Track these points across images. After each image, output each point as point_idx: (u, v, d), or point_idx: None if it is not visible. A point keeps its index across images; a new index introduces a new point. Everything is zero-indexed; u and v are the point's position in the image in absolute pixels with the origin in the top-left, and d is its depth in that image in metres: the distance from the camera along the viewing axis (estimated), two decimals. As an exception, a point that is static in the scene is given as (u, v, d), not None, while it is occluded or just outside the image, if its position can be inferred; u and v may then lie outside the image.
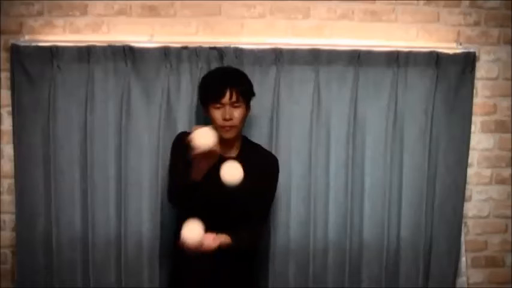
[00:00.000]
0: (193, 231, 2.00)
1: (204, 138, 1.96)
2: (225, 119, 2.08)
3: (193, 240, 1.99)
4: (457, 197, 2.60)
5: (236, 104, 2.10)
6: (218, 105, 2.09)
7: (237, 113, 2.10)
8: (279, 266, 2.53)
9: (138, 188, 2.49)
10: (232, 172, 2.00)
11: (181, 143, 2.10)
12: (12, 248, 2.59)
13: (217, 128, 2.10)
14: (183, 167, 2.08)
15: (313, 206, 2.52)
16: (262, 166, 2.18)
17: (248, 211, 2.14)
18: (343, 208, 2.54)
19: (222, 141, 2.14)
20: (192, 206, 2.09)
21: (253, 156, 2.17)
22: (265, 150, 2.31)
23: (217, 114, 2.10)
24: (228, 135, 2.11)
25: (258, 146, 2.28)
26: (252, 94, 2.20)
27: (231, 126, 2.10)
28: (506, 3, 2.64)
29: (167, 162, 2.28)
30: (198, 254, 2.06)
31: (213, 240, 2.04)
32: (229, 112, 2.08)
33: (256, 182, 2.12)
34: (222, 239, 2.07)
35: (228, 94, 2.08)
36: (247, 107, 2.17)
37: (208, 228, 2.03)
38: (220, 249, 2.06)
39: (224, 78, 2.13)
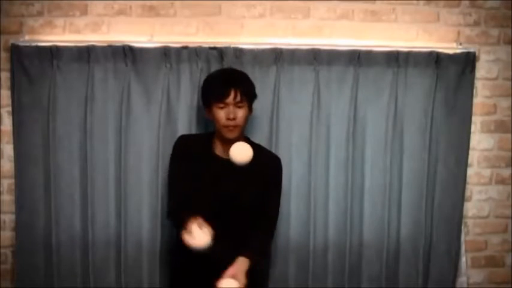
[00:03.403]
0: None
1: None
2: (228, 119, 2.09)
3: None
4: (457, 197, 2.60)
5: (240, 104, 2.11)
6: (222, 105, 2.10)
7: (241, 113, 2.12)
8: (279, 266, 2.53)
9: (138, 188, 2.49)
10: (242, 151, 2.01)
11: (182, 149, 2.17)
12: (12, 248, 2.58)
13: (220, 128, 2.12)
14: (182, 181, 2.11)
15: (313, 205, 2.52)
16: (266, 167, 2.19)
17: (255, 214, 2.15)
18: (343, 208, 2.54)
19: (224, 142, 2.15)
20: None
21: (256, 157, 2.18)
22: (268, 150, 2.32)
23: (221, 114, 2.11)
24: (231, 135, 2.12)
25: (260, 147, 2.28)
26: (255, 95, 2.21)
27: (235, 126, 2.11)
28: (506, 3, 2.64)
29: (167, 162, 2.28)
30: (200, 254, 2.07)
31: (242, 278, 2.02)
32: (233, 112, 2.09)
33: (260, 183, 2.14)
34: (243, 269, 2.05)
35: (232, 94, 2.09)
36: (250, 109, 2.18)
37: (216, 235, 2.02)
38: (222, 249, 2.07)
39: (228, 79, 2.14)
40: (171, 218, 2.23)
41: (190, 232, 1.91)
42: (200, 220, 1.93)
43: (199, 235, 1.91)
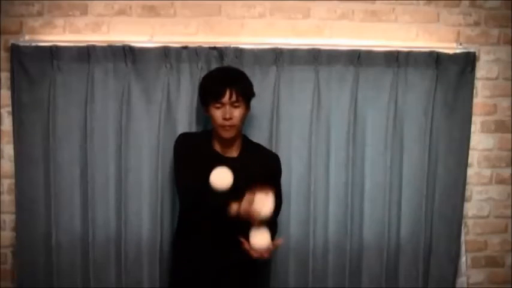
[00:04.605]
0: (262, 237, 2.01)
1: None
2: (224, 119, 2.09)
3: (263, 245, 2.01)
4: (457, 197, 2.60)
5: (236, 104, 2.11)
6: (218, 105, 2.10)
7: (237, 113, 2.11)
8: (279, 266, 2.53)
9: (138, 188, 2.49)
10: (221, 177, 2.00)
11: (183, 146, 2.17)
12: (12, 248, 2.59)
13: (217, 127, 2.12)
14: (189, 171, 2.10)
15: (313, 205, 2.52)
16: (265, 165, 2.20)
17: None
18: (343, 208, 2.54)
19: (222, 141, 2.15)
20: (202, 209, 2.08)
21: (254, 156, 2.18)
22: (266, 149, 2.33)
23: (217, 113, 2.11)
24: (228, 134, 2.12)
25: (258, 146, 2.29)
26: (252, 94, 2.20)
27: (231, 126, 2.11)
28: (506, 3, 2.64)
29: (167, 162, 2.28)
30: (201, 254, 2.08)
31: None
32: (229, 111, 2.09)
33: (260, 181, 2.13)
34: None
35: (228, 94, 2.09)
36: (247, 107, 2.18)
37: (216, 233, 2.04)
38: (225, 250, 2.08)
39: (224, 78, 2.14)
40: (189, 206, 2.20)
41: (255, 200, 1.93)
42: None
43: (266, 201, 1.94)
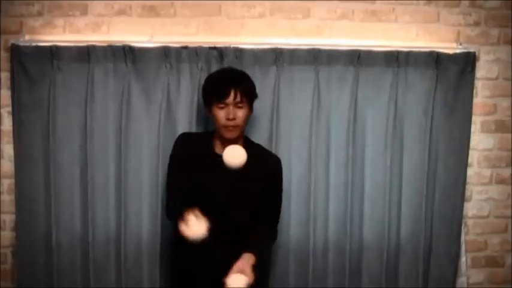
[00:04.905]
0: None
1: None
2: (228, 119, 2.09)
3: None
4: (457, 197, 2.60)
5: (240, 104, 2.11)
6: (222, 105, 2.10)
7: (241, 113, 2.12)
8: (279, 266, 2.53)
9: (138, 188, 2.49)
10: (234, 154, 2.00)
11: (182, 147, 2.18)
12: (12, 248, 2.59)
13: (220, 127, 2.12)
14: (181, 179, 2.11)
15: (313, 205, 2.52)
16: (266, 167, 2.19)
17: (255, 213, 2.16)
18: (343, 208, 2.54)
19: (224, 142, 2.15)
20: (202, 210, 2.08)
21: (256, 157, 2.17)
22: (268, 150, 2.32)
23: (220, 114, 2.11)
24: (231, 135, 2.13)
25: (260, 147, 2.29)
26: (255, 95, 2.21)
27: (234, 126, 2.11)
28: (506, 3, 2.64)
29: (167, 162, 2.28)
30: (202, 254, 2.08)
31: (250, 273, 2.03)
32: (233, 112, 2.09)
33: (261, 183, 2.14)
34: (250, 264, 2.05)
35: (232, 94, 2.09)
36: (250, 108, 2.18)
37: (216, 234, 2.02)
38: (224, 250, 2.08)
39: (228, 79, 2.14)
40: (170, 215, 2.21)
41: (186, 222, 1.91)
42: (197, 211, 1.93)
43: (195, 225, 1.91)
